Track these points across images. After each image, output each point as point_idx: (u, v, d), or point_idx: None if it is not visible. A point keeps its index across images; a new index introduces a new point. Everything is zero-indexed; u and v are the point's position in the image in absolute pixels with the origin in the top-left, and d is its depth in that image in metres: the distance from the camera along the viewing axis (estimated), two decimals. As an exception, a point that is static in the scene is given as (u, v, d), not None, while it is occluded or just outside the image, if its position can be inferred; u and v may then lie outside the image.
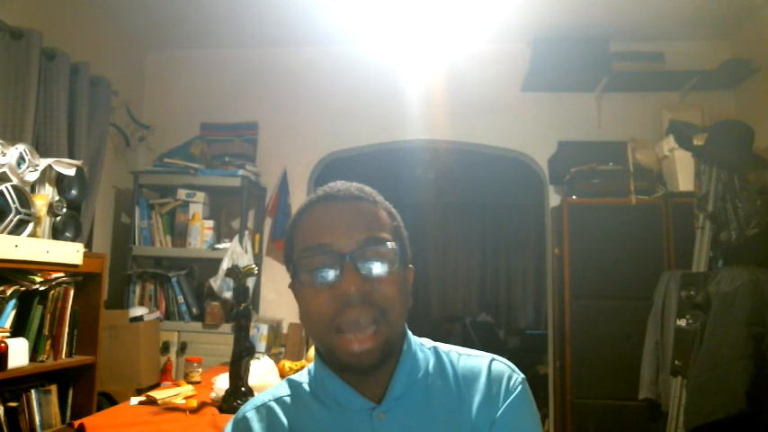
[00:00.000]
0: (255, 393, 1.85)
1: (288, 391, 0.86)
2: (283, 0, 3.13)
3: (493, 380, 0.82)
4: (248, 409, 0.84)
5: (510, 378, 0.82)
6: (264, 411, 0.83)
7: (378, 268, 0.76)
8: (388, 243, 0.78)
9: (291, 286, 0.83)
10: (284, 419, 0.82)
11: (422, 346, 0.86)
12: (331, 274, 0.75)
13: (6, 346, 1.99)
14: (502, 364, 0.85)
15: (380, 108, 3.62)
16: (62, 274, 2.28)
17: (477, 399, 0.81)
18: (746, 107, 3.30)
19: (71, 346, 2.35)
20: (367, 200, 0.82)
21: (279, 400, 0.84)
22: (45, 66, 2.61)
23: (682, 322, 2.35)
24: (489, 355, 0.86)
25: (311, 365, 0.86)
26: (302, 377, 0.87)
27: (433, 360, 0.85)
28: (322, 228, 0.78)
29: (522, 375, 0.84)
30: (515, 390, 0.81)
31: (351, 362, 0.75)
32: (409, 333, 0.85)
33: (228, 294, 3.12)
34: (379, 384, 0.80)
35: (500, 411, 0.79)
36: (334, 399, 0.80)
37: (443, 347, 0.88)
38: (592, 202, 3.07)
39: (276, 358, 2.70)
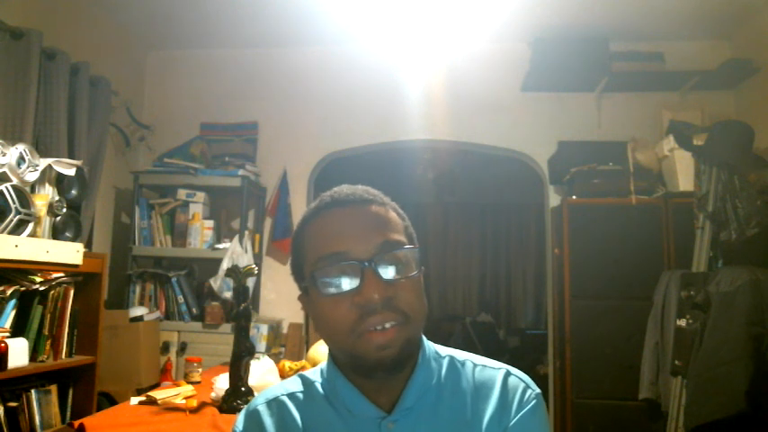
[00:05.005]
0: (255, 393, 1.85)
1: (301, 388, 0.85)
2: (283, 0, 3.13)
3: (507, 392, 0.81)
4: (260, 402, 0.84)
5: (525, 391, 0.81)
6: (276, 406, 0.83)
7: (398, 272, 0.75)
8: (406, 246, 0.77)
9: (301, 299, 0.81)
10: (297, 416, 0.81)
11: (437, 354, 0.85)
12: (351, 283, 0.73)
13: (6, 346, 1.99)
14: (517, 378, 0.83)
15: (380, 108, 3.62)
16: (62, 274, 2.28)
17: (489, 411, 0.79)
18: (746, 107, 3.30)
19: (71, 346, 2.35)
20: (376, 202, 0.80)
21: (291, 396, 0.84)
22: (45, 66, 2.61)
23: (682, 322, 2.35)
24: (505, 368, 0.84)
25: (323, 366, 0.85)
26: (315, 375, 0.86)
27: (447, 370, 0.83)
28: (335, 235, 0.76)
29: (538, 390, 0.82)
30: (529, 403, 0.80)
31: (374, 360, 0.74)
32: (425, 341, 0.84)
33: (228, 294, 3.12)
34: (392, 393, 0.79)
35: (512, 422, 0.78)
36: (344, 405, 0.80)
37: (459, 356, 0.86)
38: (592, 202, 3.07)
39: (276, 358, 2.69)
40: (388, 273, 0.74)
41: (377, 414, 0.78)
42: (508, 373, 0.83)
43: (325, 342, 0.81)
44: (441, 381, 0.82)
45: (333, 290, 0.74)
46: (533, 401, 0.80)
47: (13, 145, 2.17)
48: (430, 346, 0.85)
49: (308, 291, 0.79)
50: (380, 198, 0.82)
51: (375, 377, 0.77)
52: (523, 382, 0.82)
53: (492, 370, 0.84)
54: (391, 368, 0.75)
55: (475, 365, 0.84)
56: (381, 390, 0.79)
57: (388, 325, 0.73)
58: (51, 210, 2.30)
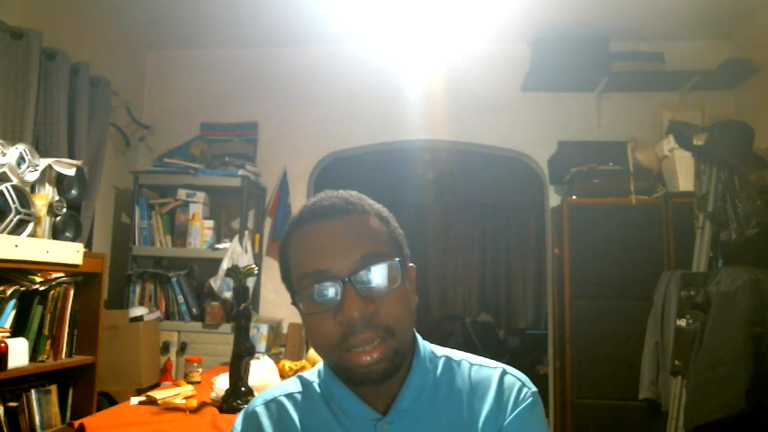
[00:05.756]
0: (255, 393, 1.85)
1: (299, 389, 0.85)
2: (283, 0, 3.13)
3: (503, 391, 0.80)
4: (258, 404, 0.84)
5: (521, 390, 0.81)
6: (275, 407, 0.83)
7: (379, 287, 0.74)
8: (387, 259, 0.75)
9: (294, 305, 0.81)
10: (295, 417, 0.82)
11: (433, 355, 0.85)
12: (332, 301, 0.73)
13: (6, 346, 1.99)
14: (513, 377, 0.82)
15: (380, 108, 3.62)
16: (62, 274, 2.28)
17: (485, 410, 0.79)
18: (746, 107, 3.30)
19: (71, 346, 2.35)
20: (355, 211, 0.78)
21: (290, 397, 0.84)
22: (45, 66, 2.61)
23: (682, 322, 2.35)
24: (502, 367, 0.84)
25: (321, 367, 0.86)
26: (313, 376, 0.86)
27: (443, 370, 0.83)
28: (315, 252, 0.76)
29: (535, 389, 0.82)
30: (525, 401, 0.80)
31: (362, 374, 0.74)
32: (420, 342, 0.84)
33: (228, 294, 3.12)
34: (387, 395, 0.79)
35: (507, 420, 0.78)
36: (340, 407, 0.80)
37: (456, 356, 0.86)
38: (592, 202, 3.07)
39: (276, 358, 2.69)
40: (368, 288, 0.73)
41: (372, 416, 0.78)
42: (504, 372, 0.83)
43: (316, 352, 0.81)
44: (436, 381, 0.82)
45: (316, 308, 0.75)
46: (529, 399, 0.80)
47: (13, 145, 2.16)
48: (426, 346, 0.85)
49: (297, 304, 0.79)
50: (360, 205, 0.79)
51: (365, 387, 0.78)
52: (519, 380, 0.82)
53: (488, 369, 0.83)
54: (380, 381, 0.75)
55: (471, 365, 0.84)
56: (375, 392, 0.79)
57: (371, 344, 0.73)
58: (51, 210, 2.30)
